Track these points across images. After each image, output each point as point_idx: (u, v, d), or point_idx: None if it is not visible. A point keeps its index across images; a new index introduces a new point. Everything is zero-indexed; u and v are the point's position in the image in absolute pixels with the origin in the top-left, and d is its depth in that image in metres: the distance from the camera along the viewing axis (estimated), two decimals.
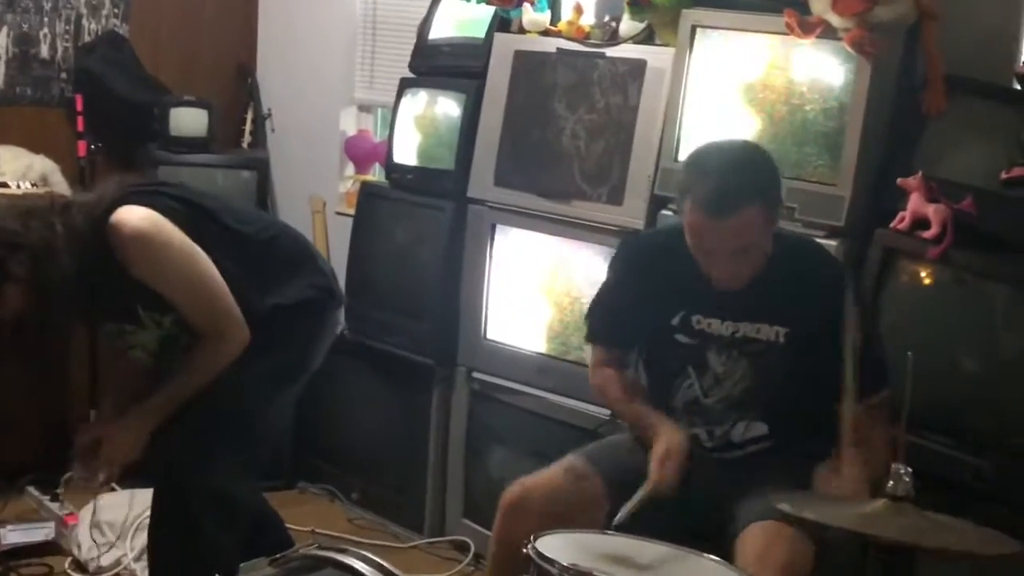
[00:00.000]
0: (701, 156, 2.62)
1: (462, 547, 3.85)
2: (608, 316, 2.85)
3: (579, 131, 3.54)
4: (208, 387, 2.87)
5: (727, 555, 2.41)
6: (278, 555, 2.43)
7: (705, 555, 2.35)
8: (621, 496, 2.56)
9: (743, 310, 2.64)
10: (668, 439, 2.60)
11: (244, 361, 2.85)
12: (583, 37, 3.56)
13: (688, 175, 2.59)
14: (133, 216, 2.69)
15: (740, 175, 2.52)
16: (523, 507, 2.55)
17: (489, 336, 3.78)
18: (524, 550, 2.27)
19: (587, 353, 2.95)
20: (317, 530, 3.91)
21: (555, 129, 3.59)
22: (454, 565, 3.79)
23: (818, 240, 2.91)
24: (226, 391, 2.88)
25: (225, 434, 2.91)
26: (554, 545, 2.29)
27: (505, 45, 3.74)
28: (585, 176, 3.52)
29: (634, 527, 2.49)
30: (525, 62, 3.68)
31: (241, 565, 2.34)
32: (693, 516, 2.56)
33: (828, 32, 2.99)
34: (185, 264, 2.74)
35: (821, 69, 3.06)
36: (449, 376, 3.91)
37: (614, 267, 2.88)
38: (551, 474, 2.65)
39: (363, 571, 2.36)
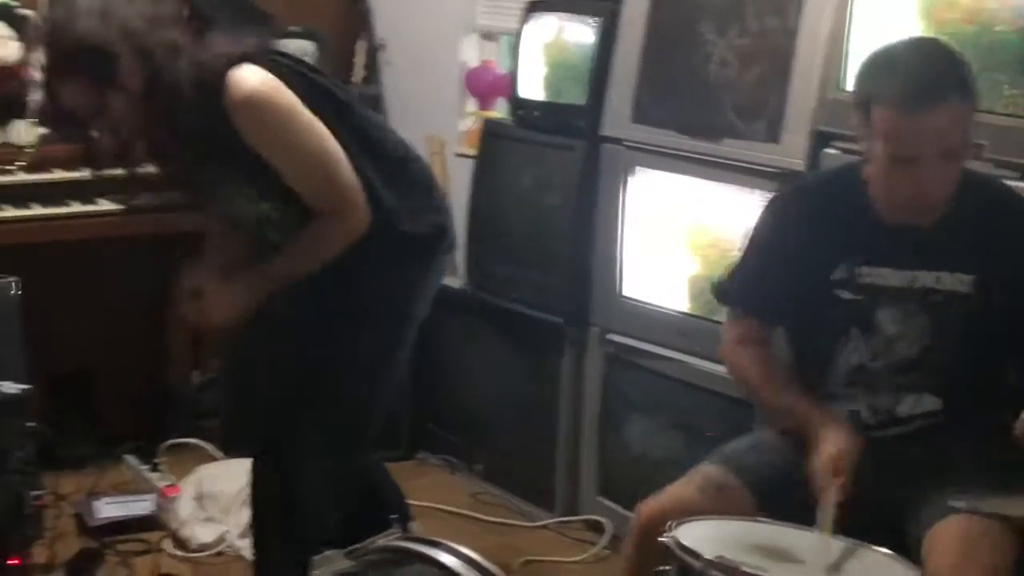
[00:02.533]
0: (885, 52, 2.50)
1: (596, 527, 3.81)
2: (753, 280, 2.72)
3: (729, 58, 3.43)
4: (307, 344, 2.87)
5: (904, 552, 2.31)
6: (355, 546, 2.39)
7: (875, 548, 2.27)
8: (770, 508, 2.46)
9: (922, 256, 2.51)
10: (835, 439, 2.45)
11: (342, 300, 2.82)
12: None
13: (873, 76, 2.47)
14: (254, 77, 2.63)
15: (938, 65, 2.43)
16: (658, 530, 2.48)
17: (626, 293, 3.72)
18: (661, 539, 2.22)
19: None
20: (439, 505, 3.92)
21: (702, 56, 3.48)
22: (588, 547, 3.75)
23: (1010, 183, 2.75)
24: (326, 344, 2.87)
25: (328, 393, 2.90)
26: (697, 534, 2.24)
27: None
28: (737, 110, 3.41)
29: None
30: None
31: (314, 558, 2.31)
32: (856, 510, 2.45)
33: None
34: (304, 133, 2.68)
35: None
36: (581, 337, 3.86)
37: (763, 223, 2.76)
38: (687, 488, 2.55)
39: (454, 567, 2.31)
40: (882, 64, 2.48)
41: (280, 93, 2.66)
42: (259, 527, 3.03)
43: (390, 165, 2.87)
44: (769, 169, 3.32)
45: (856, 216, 2.54)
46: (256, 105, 2.63)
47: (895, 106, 2.39)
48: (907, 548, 2.35)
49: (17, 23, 3.90)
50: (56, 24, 2.63)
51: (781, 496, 2.48)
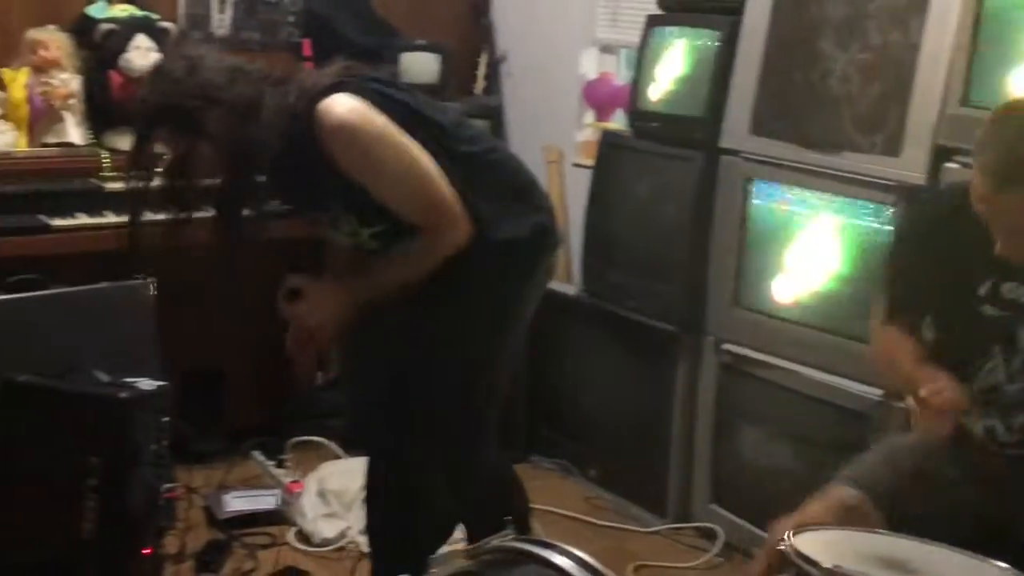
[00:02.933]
0: (998, 117, 2.43)
1: (709, 534, 3.77)
2: (904, 279, 2.70)
3: (850, 72, 3.38)
4: (419, 346, 2.88)
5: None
6: (472, 546, 2.40)
7: (997, 563, 2.20)
8: (903, 529, 2.40)
9: None
10: (938, 381, 2.43)
11: (451, 305, 2.84)
12: None
13: (983, 132, 2.41)
14: (341, 106, 2.67)
15: None
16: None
17: (742, 303, 3.68)
18: (779, 547, 2.19)
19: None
20: (552, 508, 3.92)
21: (822, 70, 3.44)
22: (700, 554, 3.71)
23: None
24: (437, 345, 2.89)
25: (440, 394, 2.91)
26: (815, 543, 2.20)
27: None
28: (857, 123, 3.36)
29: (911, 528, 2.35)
30: None
31: (433, 556, 2.32)
32: (981, 524, 2.39)
33: None
34: (395, 155, 2.70)
35: None
36: (696, 346, 3.83)
37: (906, 227, 2.75)
38: (821, 511, 2.49)
39: (568, 569, 2.29)
40: (992, 125, 2.41)
41: (367, 118, 2.69)
42: (374, 525, 3.06)
43: (487, 174, 2.87)
44: (888, 183, 3.27)
45: None
46: (345, 133, 2.67)
47: (983, 174, 2.36)
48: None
49: (158, 35, 3.98)
50: (151, 80, 2.76)
51: (911, 514, 2.43)
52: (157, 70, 2.82)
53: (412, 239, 2.78)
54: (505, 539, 2.40)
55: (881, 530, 2.37)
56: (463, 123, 2.98)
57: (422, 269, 2.78)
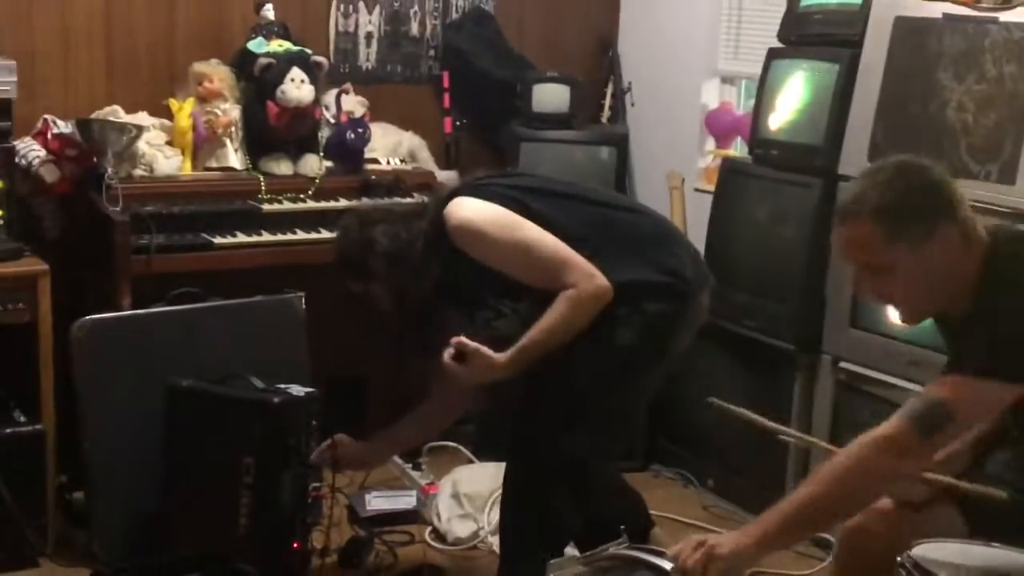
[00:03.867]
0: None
1: (823, 544, 3.69)
2: None
3: (967, 103, 3.32)
4: (564, 367, 2.91)
5: None
6: (589, 552, 2.41)
7: None
8: (979, 524, 2.36)
9: None
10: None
11: (596, 339, 2.89)
12: (972, 1, 3.32)
13: None
14: (460, 208, 2.95)
15: (873, 187, 2.31)
16: (863, 539, 2.40)
17: (858, 323, 3.63)
18: (899, 558, 2.16)
19: None
20: (671, 515, 3.91)
21: (939, 101, 3.39)
22: (815, 563, 3.67)
23: None
24: (580, 371, 2.93)
25: (578, 413, 2.94)
26: (934, 555, 2.16)
27: (885, 11, 3.56)
28: (972, 152, 3.30)
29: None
30: (906, 29, 3.49)
31: (551, 562, 2.34)
32: None
33: None
34: (508, 233, 2.92)
35: None
36: (813, 364, 3.78)
37: None
38: (886, 501, 2.47)
39: None
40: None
41: (482, 211, 2.94)
42: (511, 527, 3.08)
43: (612, 231, 3.01)
44: (1003, 209, 3.20)
45: None
46: (467, 228, 2.93)
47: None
48: None
49: (311, 69, 4.05)
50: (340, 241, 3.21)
51: (988, 512, 2.39)
52: (341, 228, 3.26)
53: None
54: (620, 547, 2.42)
55: (993, 543, 2.31)
56: (596, 189, 3.23)
57: (572, 329, 2.88)
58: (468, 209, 2.96)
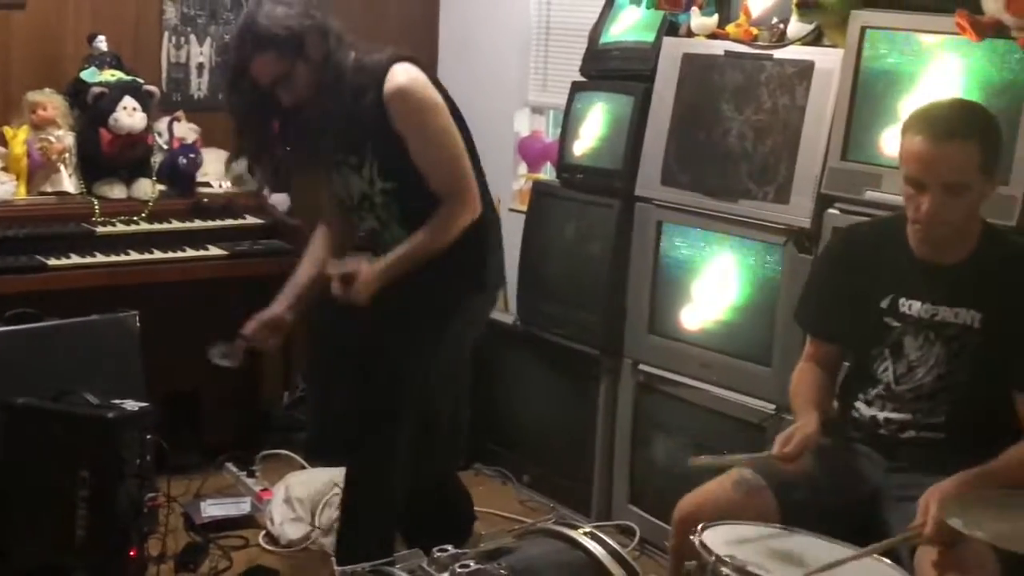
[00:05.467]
0: (931, 102, 2.60)
1: (628, 532, 3.77)
2: (820, 307, 2.75)
3: (746, 131, 3.41)
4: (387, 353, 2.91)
5: (897, 556, 2.28)
6: (521, 526, 2.46)
7: (883, 560, 2.23)
8: (792, 512, 2.44)
9: (944, 293, 2.51)
10: (802, 425, 2.50)
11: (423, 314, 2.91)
12: (751, 40, 3.42)
13: (913, 115, 2.52)
14: (409, 73, 2.83)
15: (965, 112, 2.49)
16: (695, 522, 2.46)
17: (655, 330, 3.69)
18: (691, 537, 2.22)
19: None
20: (492, 510, 3.91)
21: (722, 130, 3.47)
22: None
23: None
24: (404, 350, 2.93)
25: (403, 402, 2.95)
26: (720, 536, 2.23)
27: (674, 48, 3.63)
28: (752, 175, 3.39)
29: (804, 514, 2.38)
30: (693, 65, 3.57)
31: (397, 554, 2.32)
32: (856, 515, 2.44)
33: (1001, 32, 2.79)
34: (443, 125, 2.86)
35: (994, 70, 2.87)
36: (616, 368, 3.83)
37: (826, 258, 2.82)
38: (721, 488, 2.53)
39: (594, 551, 2.34)
40: (923, 107, 2.54)
41: (428, 89, 2.85)
42: (347, 523, 3.05)
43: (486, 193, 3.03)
44: (779, 226, 3.30)
45: (898, 254, 2.54)
46: (408, 95, 2.81)
47: (919, 132, 2.43)
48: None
49: (143, 97, 3.94)
50: (254, 15, 2.81)
51: (801, 501, 2.46)
52: (259, 3, 2.85)
53: (415, 212, 2.85)
54: (547, 522, 2.46)
55: (774, 524, 2.38)
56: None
57: (442, 242, 2.86)
58: (414, 80, 2.84)
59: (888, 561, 2.22)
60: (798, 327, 2.92)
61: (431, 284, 2.92)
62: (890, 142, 3.01)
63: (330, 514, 3.55)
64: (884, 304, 2.58)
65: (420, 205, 2.91)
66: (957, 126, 2.41)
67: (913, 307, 2.55)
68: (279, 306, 3.08)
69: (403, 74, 2.82)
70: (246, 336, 3.04)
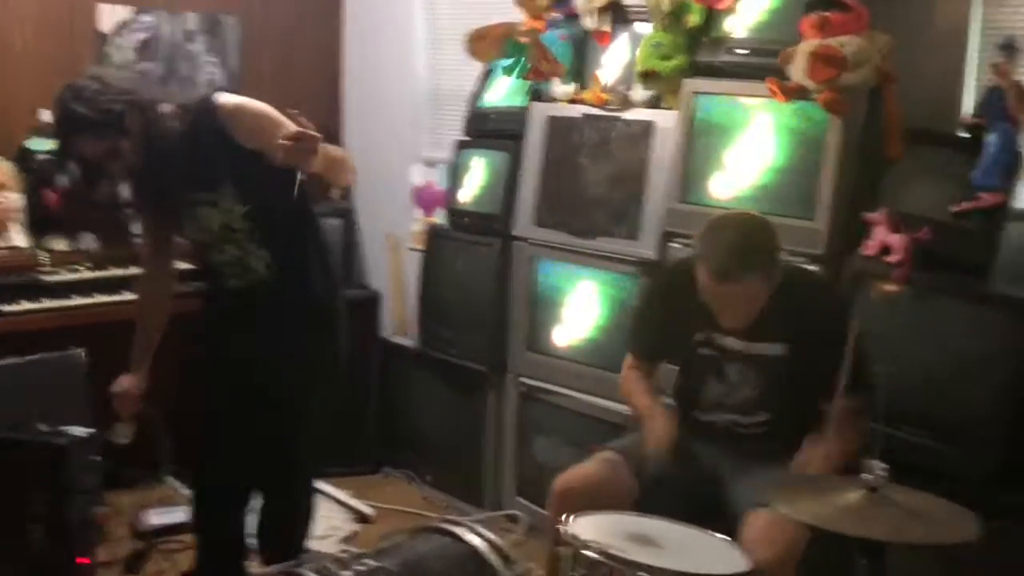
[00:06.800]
0: (718, 221, 2.52)
1: (515, 519, 3.73)
2: (642, 333, 2.80)
3: (602, 180, 3.48)
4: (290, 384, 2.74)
5: (733, 530, 2.35)
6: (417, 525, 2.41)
7: (717, 535, 2.29)
8: (647, 487, 2.50)
9: (752, 332, 2.56)
10: (658, 424, 2.56)
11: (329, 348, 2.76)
12: (603, 104, 3.50)
13: (703, 243, 2.48)
14: (233, 97, 2.58)
15: (747, 248, 2.42)
16: (570, 494, 2.49)
17: (534, 347, 3.72)
18: (559, 526, 2.24)
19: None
20: (399, 507, 3.89)
21: (582, 179, 3.53)
22: (508, 535, 3.67)
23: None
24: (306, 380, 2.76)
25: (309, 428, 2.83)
26: (587, 524, 2.24)
27: (540, 112, 3.69)
28: (608, 217, 3.45)
29: (655, 507, 2.43)
30: (556, 125, 3.63)
31: (304, 555, 2.30)
32: (700, 493, 2.52)
33: (804, 94, 2.91)
34: (277, 120, 2.51)
35: (799, 124, 2.98)
36: (501, 381, 3.85)
37: (649, 293, 2.85)
38: (592, 465, 2.59)
39: (474, 542, 2.34)
40: (710, 232, 2.48)
41: (253, 101, 2.59)
42: (270, 536, 2.91)
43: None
44: (631, 259, 3.37)
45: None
46: (243, 110, 2.55)
47: (709, 276, 2.43)
48: (727, 520, 2.41)
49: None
50: (67, 99, 2.48)
51: (655, 477, 2.52)
52: (71, 89, 2.49)
53: (278, 229, 2.63)
54: (436, 521, 2.44)
55: (632, 512, 2.41)
56: None
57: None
58: (243, 99, 2.59)
59: (725, 536, 2.28)
60: None
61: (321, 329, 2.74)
62: (717, 187, 3.11)
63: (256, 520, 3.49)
64: (700, 338, 2.62)
65: (282, 221, 2.66)
66: (740, 267, 2.39)
67: (728, 341, 2.59)
68: (129, 380, 2.85)
69: (230, 97, 2.57)
70: (122, 416, 2.85)
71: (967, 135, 2.85)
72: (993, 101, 2.73)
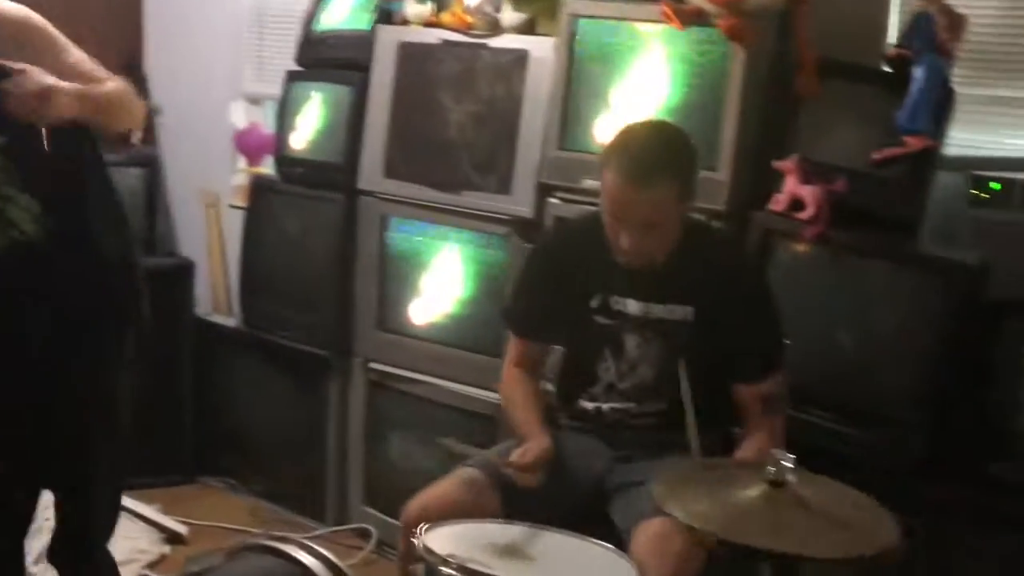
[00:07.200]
0: (628, 128, 2.61)
1: (364, 534, 3.79)
2: (528, 308, 2.80)
3: (465, 121, 3.48)
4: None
5: (619, 539, 2.39)
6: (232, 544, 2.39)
7: (598, 542, 2.33)
8: (516, 508, 2.51)
9: (655, 291, 2.61)
10: (536, 443, 2.58)
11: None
12: (466, 28, 3.49)
13: (613, 145, 2.56)
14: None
15: (661, 151, 2.51)
16: (424, 520, 2.48)
17: (385, 326, 3.72)
18: (412, 539, 2.25)
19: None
20: (219, 524, 3.85)
21: (442, 120, 3.52)
22: (357, 552, 3.72)
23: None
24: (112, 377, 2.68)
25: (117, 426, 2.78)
26: (443, 535, 2.27)
27: (389, 37, 3.66)
28: (473, 166, 3.46)
29: (530, 511, 2.46)
30: (409, 54, 3.61)
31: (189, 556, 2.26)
32: (581, 506, 2.54)
33: (703, 20, 2.96)
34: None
35: (697, 56, 3.03)
36: (346, 367, 3.84)
37: (532, 260, 2.84)
38: (449, 488, 2.58)
39: (305, 561, 2.33)
40: (621, 138, 2.56)
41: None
42: (66, 552, 2.87)
43: None
44: (502, 216, 3.39)
45: (605, 253, 2.59)
46: (31, 14, 2.51)
47: (617, 172, 2.49)
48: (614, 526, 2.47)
49: None
50: None
51: (523, 498, 2.53)
52: None
53: (42, 172, 2.46)
54: (258, 538, 2.40)
55: (497, 519, 2.44)
56: None
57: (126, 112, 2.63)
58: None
59: (608, 545, 2.33)
60: None
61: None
62: (604, 130, 3.14)
63: (43, 540, 3.39)
64: (594, 303, 2.66)
65: (55, 164, 2.46)
66: (654, 167, 2.46)
67: (628, 305, 2.64)
68: None
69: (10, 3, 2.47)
70: None
71: (891, 69, 2.94)
72: (920, 28, 2.82)
